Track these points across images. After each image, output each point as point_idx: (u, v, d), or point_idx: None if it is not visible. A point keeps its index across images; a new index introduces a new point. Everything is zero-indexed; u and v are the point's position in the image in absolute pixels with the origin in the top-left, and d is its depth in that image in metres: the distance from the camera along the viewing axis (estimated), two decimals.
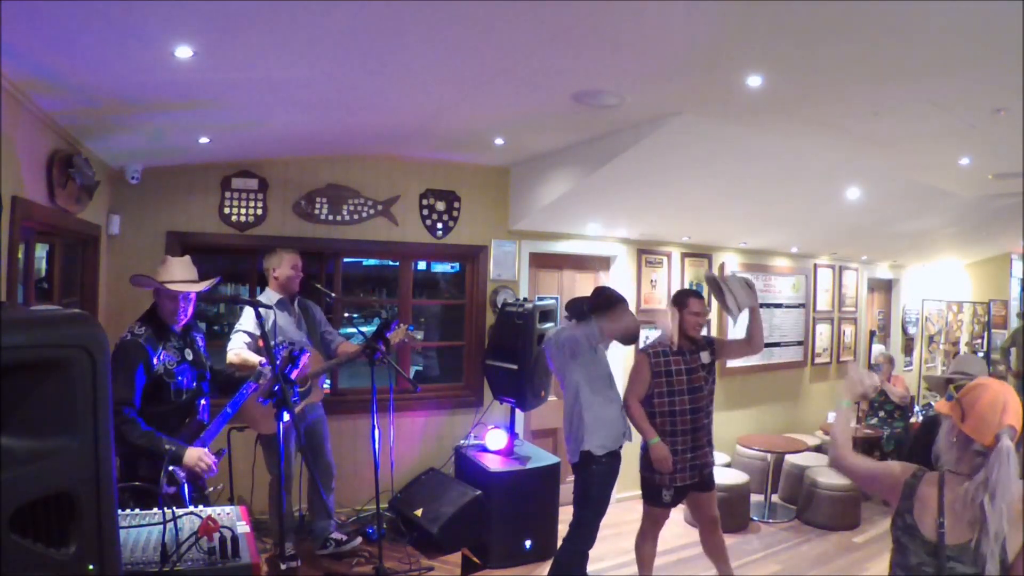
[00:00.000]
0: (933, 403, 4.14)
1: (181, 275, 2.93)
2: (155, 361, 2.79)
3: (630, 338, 3.80)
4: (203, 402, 3.03)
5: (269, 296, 3.96)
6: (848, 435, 2.04)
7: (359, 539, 4.09)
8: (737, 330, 4.42)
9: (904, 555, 1.74)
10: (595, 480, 3.51)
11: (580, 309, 3.66)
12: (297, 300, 4.12)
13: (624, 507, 5.60)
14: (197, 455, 2.72)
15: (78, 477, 1.13)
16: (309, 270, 4.70)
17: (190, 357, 2.96)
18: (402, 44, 2.46)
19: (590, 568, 3.59)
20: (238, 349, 3.71)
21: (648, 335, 5.91)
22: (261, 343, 3.39)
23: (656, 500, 3.66)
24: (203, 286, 2.96)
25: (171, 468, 2.64)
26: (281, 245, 4.17)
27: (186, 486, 2.66)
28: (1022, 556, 1.63)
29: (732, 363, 6.44)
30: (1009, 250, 8.75)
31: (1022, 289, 8.78)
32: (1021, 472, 1.66)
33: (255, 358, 3.70)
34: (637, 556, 3.81)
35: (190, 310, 2.97)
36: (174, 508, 2.06)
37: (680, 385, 3.58)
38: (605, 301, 3.62)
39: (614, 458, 3.57)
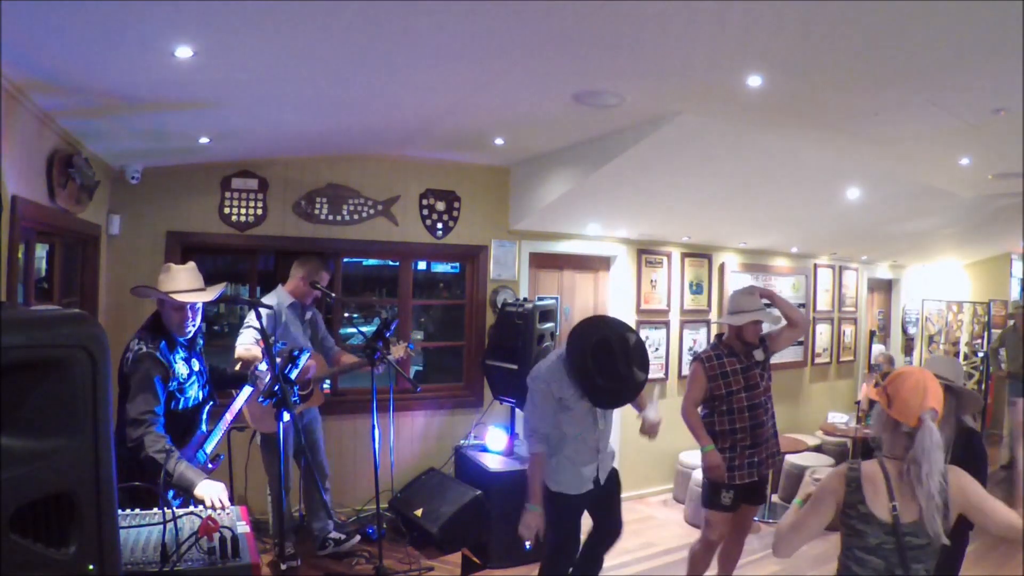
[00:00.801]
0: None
1: (186, 283, 2.76)
2: (171, 374, 2.67)
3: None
4: (206, 410, 2.93)
5: (281, 296, 3.97)
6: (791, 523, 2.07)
7: (358, 537, 4.09)
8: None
9: (863, 538, 1.90)
10: (561, 515, 3.15)
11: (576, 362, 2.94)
12: (309, 309, 4.14)
13: (624, 507, 5.60)
14: (216, 491, 2.38)
15: (78, 477, 1.13)
16: None
17: (196, 367, 2.84)
18: (402, 44, 2.46)
19: None
20: (248, 344, 3.71)
21: (648, 335, 5.92)
22: (262, 343, 3.39)
23: (715, 503, 3.60)
24: (210, 295, 2.80)
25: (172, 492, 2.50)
26: (281, 245, 4.17)
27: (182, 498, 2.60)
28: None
29: None
30: (1009, 250, 8.75)
31: (1022, 289, 8.78)
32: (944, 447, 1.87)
33: (260, 354, 3.70)
34: (690, 562, 3.74)
35: (198, 320, 2.80)
36: (174, 508, 2.06)
37: (737, 384, 3.58)
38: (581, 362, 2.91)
39: (575, 498, 3.13)
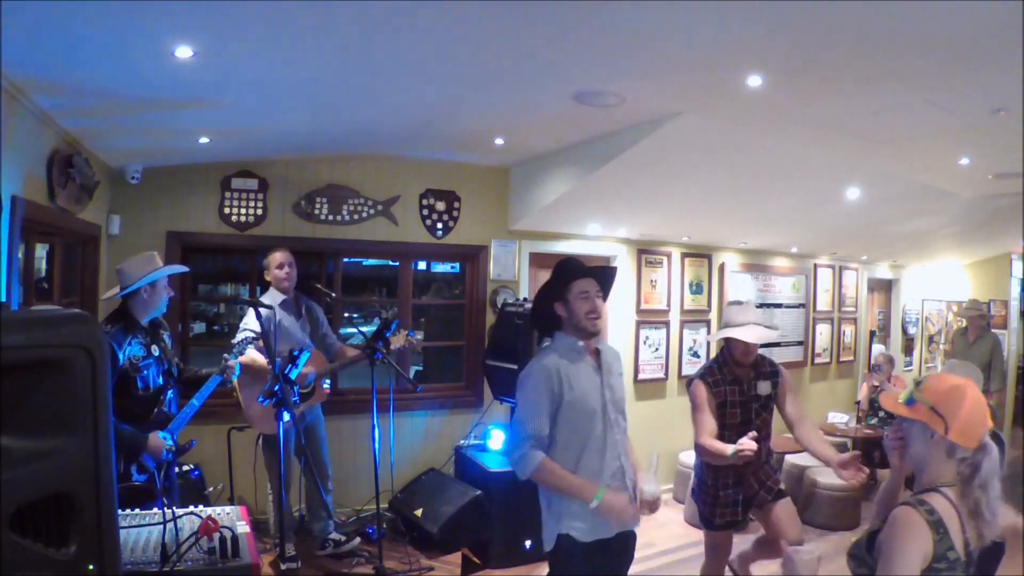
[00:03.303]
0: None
1: (131, 278, 2.92)
2: (120, 356, 2.79)
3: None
4: (170, 396, 3.04)
5: (273, 297, 3.97)
6: None
7: (358, 539, 4.10)
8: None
9: None
10: None
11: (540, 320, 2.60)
12: (303, 302, 4.14)
13: None
14: (159, 442, 2.77)
15: (78, 477, 1.13)
16: (309, 270, 4.71)
17: (156, 353, 2.97)
18: (402, 44, 2.46)
19: None
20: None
21: (648, 335, 5.92)
22: (262, 343, 3.40)
23: (708, 524, 3.32)
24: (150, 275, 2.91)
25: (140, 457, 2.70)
26: (280, 245, 4.18)
27: (157, 475, 2.71)
28: None
29: None
30: (1009, 250, 8.75)
31: (1022, 289, 8.78)
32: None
33: (261, 358, 3.70)
34: None
35: (156, 298, 2.95)
36: (174, 508, 2.07)
37: (732, 419, 3.15)
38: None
39: (601, 553, 2.43)
